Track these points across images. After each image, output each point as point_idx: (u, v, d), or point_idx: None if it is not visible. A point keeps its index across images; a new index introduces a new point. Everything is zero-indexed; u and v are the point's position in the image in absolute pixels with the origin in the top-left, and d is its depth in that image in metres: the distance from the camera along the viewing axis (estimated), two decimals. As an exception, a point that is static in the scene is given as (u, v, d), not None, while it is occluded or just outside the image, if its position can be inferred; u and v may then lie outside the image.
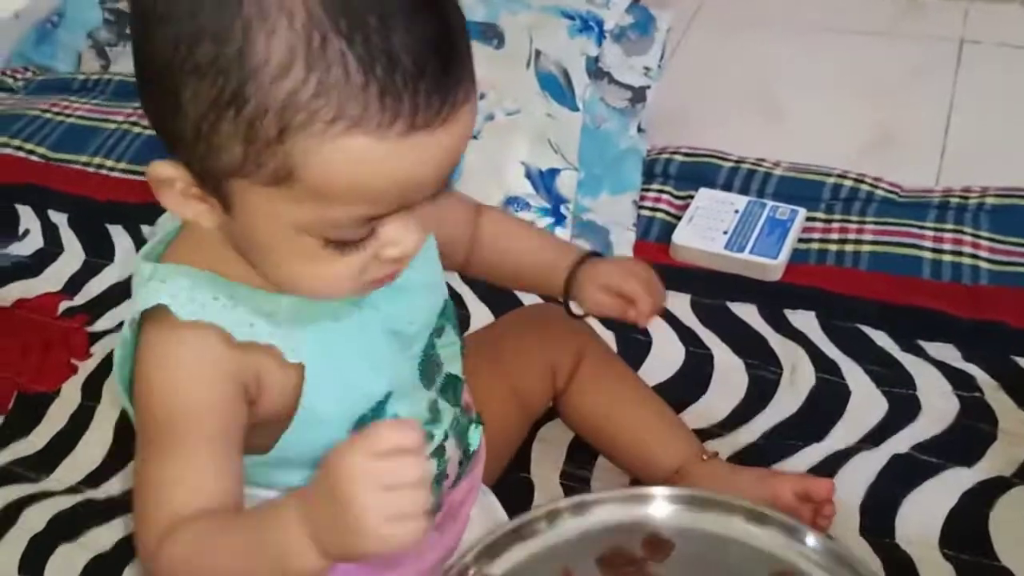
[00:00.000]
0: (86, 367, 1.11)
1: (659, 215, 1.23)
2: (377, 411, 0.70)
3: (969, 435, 0.93)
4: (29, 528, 0.93)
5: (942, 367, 1.00)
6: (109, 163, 1.39)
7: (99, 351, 1.12)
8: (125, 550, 0.91)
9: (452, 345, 0.77)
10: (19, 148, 1.43)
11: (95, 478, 0.99)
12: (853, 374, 1.00)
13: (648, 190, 1.26)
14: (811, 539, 0.74)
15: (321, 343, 0.66)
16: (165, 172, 0.59)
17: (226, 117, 0.53)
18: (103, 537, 0.92)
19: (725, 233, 1.15)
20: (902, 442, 0.93)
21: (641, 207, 1.24)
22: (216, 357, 0.62)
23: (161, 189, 0.60)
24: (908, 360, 1.01)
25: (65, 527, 0.93)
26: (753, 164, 1.27)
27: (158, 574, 0.62)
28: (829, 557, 0.73)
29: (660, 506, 0.77)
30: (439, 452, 0.75)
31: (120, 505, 0.95)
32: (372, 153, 0.53)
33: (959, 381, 0.98)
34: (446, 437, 0.76)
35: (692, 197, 1.22)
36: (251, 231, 0.59)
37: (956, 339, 1.03)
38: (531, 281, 0.88)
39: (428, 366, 0.74)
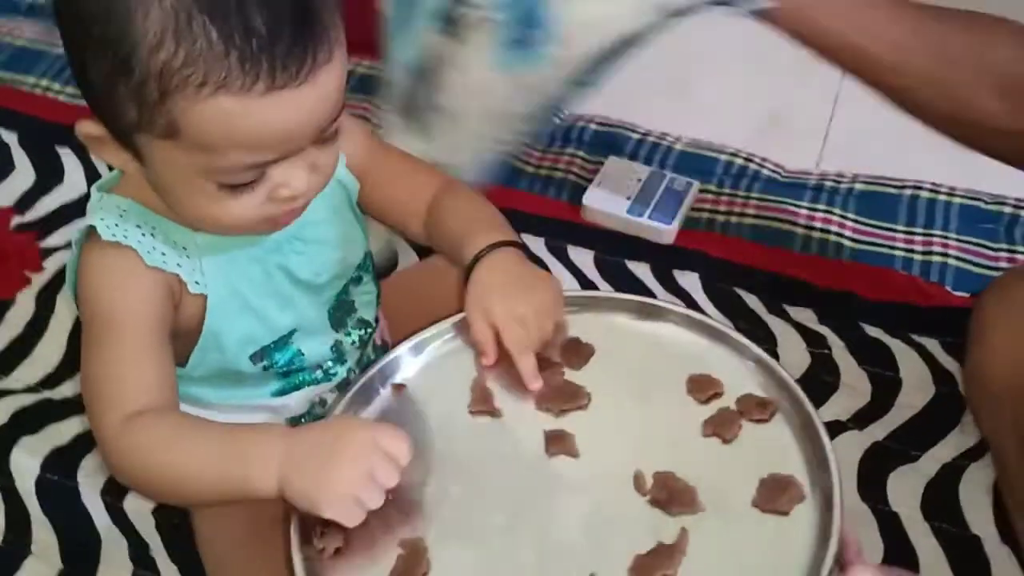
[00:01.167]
0: (39, 279, 1.19)
1: (571, 177, 1.36)
2: (279, 344, 0.79)
3: (816, 385, 1.10)
4: (-4, 422, 1.02)
5: (799, 327, 1.16)
6: (56, 86, 1.45)
7: (51, 265, 1.21)
8: (82, 443, 1.02)
9: (368, 293, 0.86)
10: (-33, 67, 1.47)
11: (52, 380, 1.09)
12: (725, 330, 1.16)
13: (562, 153, 1.39)
14: (735, 337, 0.73)
15: (226, 278, 0.75)
16: (90, 129, 0.67)
17: (120, 83, 0.62)
18: (62, 432, 1.03)
19: (628, 199, 1.29)
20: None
21: (555, 169, 1.37)
22: (134, 271, 0.70)
23: (90, 143, 0.68)
24: (773, 321, 1.17)
25: (28, 421, 1.03)
26: (657, 138, 1.41)
27: (117, 460, 0.68)
28: (757, 368, 0.72)
29: (594, 310, 0.76)
30: (343, 386, 0.84)
31: (76, 405, 1.06)
32: (239, 110, 0.61)
33: (812, 339, 1.15)
34: (350, 373, 0.86)
35: (602, 163, 1.35)
36: (159, 177, 0.67)
37: (814, 304, 1.19)
38: (448, 255, 0.83)
39: (339, 311, 0.83)
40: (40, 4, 1.58)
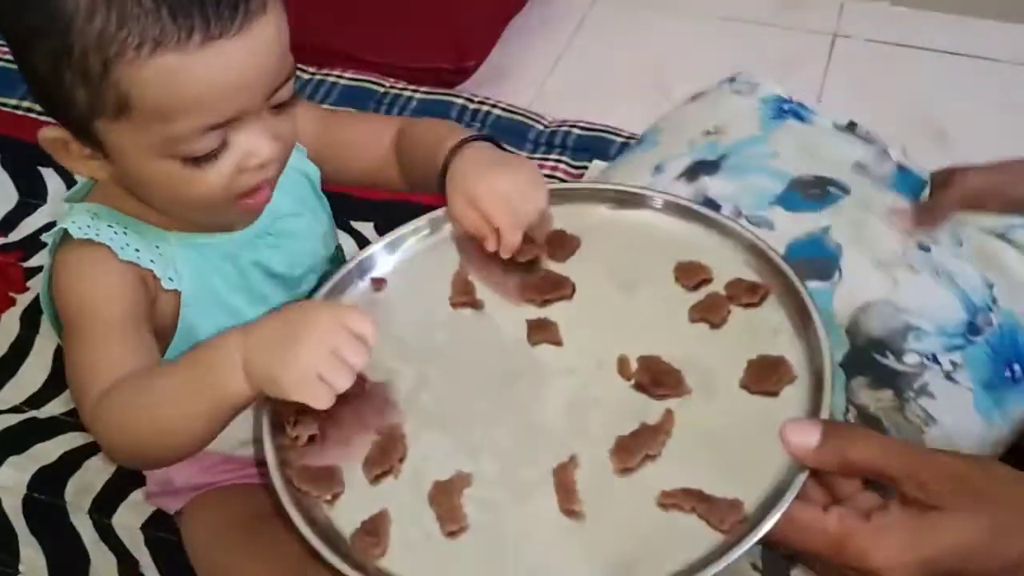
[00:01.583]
0: (23, 300, 1.18)
1: (556, 184, 1.36)
2: None
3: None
4: (-21, 442, 1.01)
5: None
6: (38, 107, 1.45)
7: (35, 285, 1.19)
8: (69, 462, 1.01)
9: None
10: (-52, 89, 1.46)
11: (37, 400, 1.08)
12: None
13: (547, 159, 1.39)
14: (724, 222, 0.71)
15: (199, 273, 0.74)
16: (52, 134, 0.67)
17: (64, 67, 0.62)
18: (48, 451, 1.02)
19: (613, 202, 1.28)
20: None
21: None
22: (107, 265, 0.70)
23: (56, 151, 0.68)
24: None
25: (14, 441, 1.02)
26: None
27: (102, 432, 0.68)
28: (743, 249, 0.70)
29: (589, 201, 0.75)
30: None
31: (62, 424, 1.05)
32: (181, 65, 0.61)
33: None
34: None
35: (586, 167, 1.35)
36: (126, 169, 0.67)
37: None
38: (422, 172, 0.80)
39: None
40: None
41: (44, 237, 0.74)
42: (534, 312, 0.69)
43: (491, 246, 0.73)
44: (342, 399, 0.62)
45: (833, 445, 0.57)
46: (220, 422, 0.66)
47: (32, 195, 1.32)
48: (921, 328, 0.72)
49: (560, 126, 1.44)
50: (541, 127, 1.44)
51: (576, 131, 1.42)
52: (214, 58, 0.62)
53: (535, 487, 0.60)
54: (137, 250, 0.71)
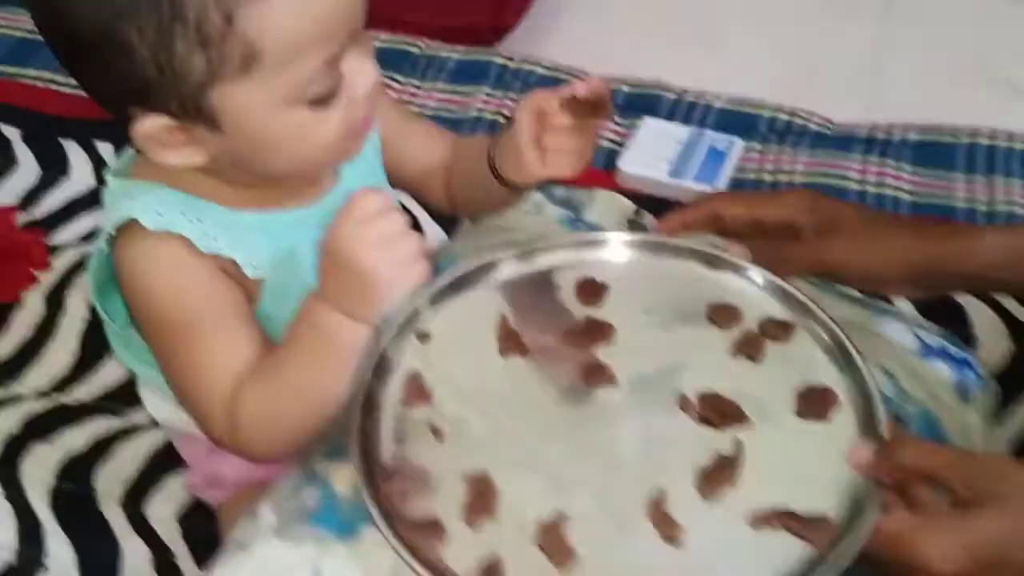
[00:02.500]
0: (47, 279, 1.13)
1: (603, 143, 1.28)
2: None
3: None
4: (4, 430, 0.97)
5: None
6: (59, 78, 1.39)
7: (59, 264, 1.15)
8: (98, 449, 0.96)
9: None
10: (-34, 62, 1.42)
11: (64, 384, 1.03)
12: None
13: (593, 118, 1.32)
14: (756, 274, 0.74)
15: (282, 256, 0.71)
16: (148, 126, 0.62)
17: (177, 35, 0.58)
18: (75, 438, 0.97)
19: (668, 162, 1.21)
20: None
21: (586, 135, 1.29)
22: (190, 262, 0.67)
23: (151, 144, 0.63)
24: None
25: (39, 428, 0.97)
26: (694, 96, 1.33)
27: (246, 441, 0.67)
28: (769, 290, 0.73)
29: (609, 250, 0.76)
30: None
31: (91, 409, 1.00)
32: None
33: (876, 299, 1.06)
34: None
35: (635, 126, 1.27)
36: (247, 133, 0.63)
37: (876, 263, 1.11)
38: (477, 171, 0.79)
39: None
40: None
41: (83, 231, 0.70)
42: (583, 356, 0.71)
43: (580, 90, 0.71)
44: (428, 449, 0.65)
45: (885, 455, 0.62)
46: (353, 368, 0.67)
47: (54, 169, 1.28)
48: None
49: (607, 84, 1.35)
50: (585, 86, 1.36)
51: (624, 88, 1.35)
52: None
53: (632, 519, 0.63)
54: (216, 239, 0.67)
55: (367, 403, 0.66)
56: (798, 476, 0.64)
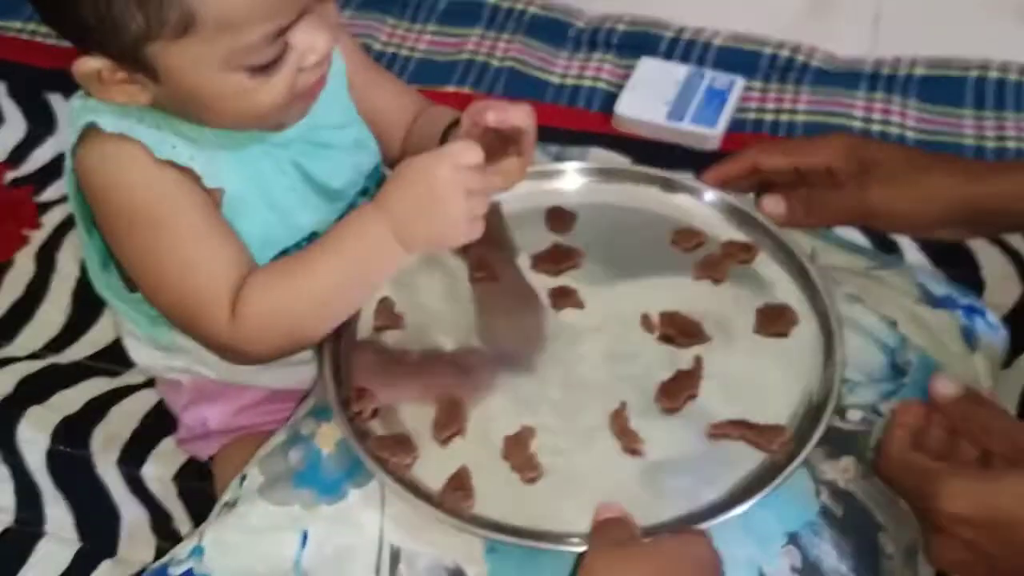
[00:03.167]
0: (37, 237, 1.11)
1: (600, 84, 1.25)
2: (300, 247, 0.74)
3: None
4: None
5: (864, 228, 1.04)
6: (44, 29, 1.36)
7: (49, 221, 1.13)
8: (94, 410, 0.95)
9: None
10: (-50, 13, 1.39)
11: (57, 344, 1.02)
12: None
13: (589, 59, 1.28)
14: (710, 195, 0.78)
15: (243, 171, 0.71)
16: (89, 66, 0.63)
17: None
18: (71, 399, 0.96)
19: (666, 103, 1.18)
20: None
21: (582, 76, 1.26)
22: (151, 162, 0.67)
23: (90, 83, 0.64)
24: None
25: (34, 390, 0.96)
26: (693, 34, 1.29)
27: (245, 336, 0.67)
28: (727, 212, 0.77)
29: (568, 180, 0.80)
30: None
31: (86, 369, 0.99)
32: None
33: (880, 240, 1.02)
34: None
35: (633, 67, 1.24)
36: (183, 89, 0.64)
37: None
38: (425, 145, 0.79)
39: None
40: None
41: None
42: (550, 281, 0.74)
43: (490, 117, 0.71)
44: (399, 371, 0.70)
45: (965, 406, 0.64)
46: (376, 289, 0.71)
47: (41, 124, 1.25)
48: (851, 379, 0.73)
49: (602, 22, 1.32)
50: (581, 24, 1.32)
51: (620, 27, 1.31)
52: None
53: (595, 432, 0.66)
54: (174, 147, 0.67)
55: (339, 327, 0.70)
56: (756, 390, 0.68)
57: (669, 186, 0.79)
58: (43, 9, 0.64)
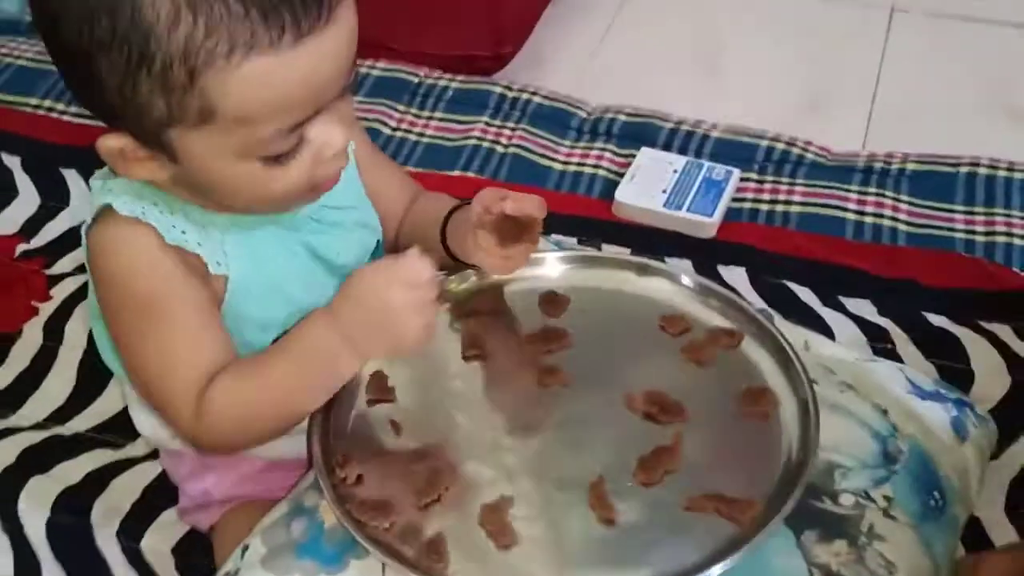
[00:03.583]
0: (47, 309, 1.13)
1: (601, 172, 1.29)
2: None
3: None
4: (2, 462, 0.96)
5: (858, 320, 1.08)
6: (60, 106, 1.40)
7: (58, 293, 1.14)
8: (94, 481, 0.96)
9: None
10: (-33, 91, 1.42)
11: (61, 415, 1.02)
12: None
13: (591, 148, 1.32)
14: (687, 280, 0.82)
15: (251, 257, 0.73)
16: (113, 143, 0.65)
17: (141, 78, 0.60)
18: (72, 470, 0.97)
19: (664, 192, 1.21)
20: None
21: (583, 164, 1.29)
22: (158, 249, 0.69)
23: (114, 159, 0.67)
24: (827, 314, 1.09)
25: (36, 460, 0.97)
26: (691, 126, 1.33)
27: (206, 433, 0.69)
28: (711, 296, 0.81)
29: (552, 266, 0.84)
30: None
31: (87, 441, 1.00)
32: (274, 68, 0.60)
33: (873, 333, 1.06)
34: None
35: (633, 156, 1.27)
36: (199, 172, 0.66)
37: (872, 295, 1.11)
38: (422, 234, 0.84)
39: None
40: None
41: (83, 258, 0.73)
42: (540, 360, 0.77)
43: (508, 206, 0.74)
44: (385, 440, 0.72)
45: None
46: (335, 391, 0.72)
47: (55, 198, 1.28)
48: (843, 465, 0.75)
49: (604, 113, 1.36)
50: (584, 114, 1.36)
51: (621, 117, 1.35)
52: (304, 56, 0.60)
53: (572, 503, 0.69)
54: (183, 232, 0.69)
55: (331, 399, 0.72)
56: (732, 467, 0.71)
57: (639, 269, 0.83)
58: (74, 88, 0.67)
